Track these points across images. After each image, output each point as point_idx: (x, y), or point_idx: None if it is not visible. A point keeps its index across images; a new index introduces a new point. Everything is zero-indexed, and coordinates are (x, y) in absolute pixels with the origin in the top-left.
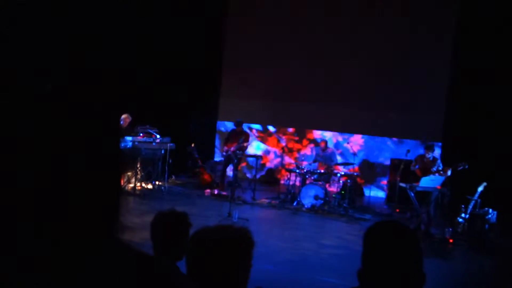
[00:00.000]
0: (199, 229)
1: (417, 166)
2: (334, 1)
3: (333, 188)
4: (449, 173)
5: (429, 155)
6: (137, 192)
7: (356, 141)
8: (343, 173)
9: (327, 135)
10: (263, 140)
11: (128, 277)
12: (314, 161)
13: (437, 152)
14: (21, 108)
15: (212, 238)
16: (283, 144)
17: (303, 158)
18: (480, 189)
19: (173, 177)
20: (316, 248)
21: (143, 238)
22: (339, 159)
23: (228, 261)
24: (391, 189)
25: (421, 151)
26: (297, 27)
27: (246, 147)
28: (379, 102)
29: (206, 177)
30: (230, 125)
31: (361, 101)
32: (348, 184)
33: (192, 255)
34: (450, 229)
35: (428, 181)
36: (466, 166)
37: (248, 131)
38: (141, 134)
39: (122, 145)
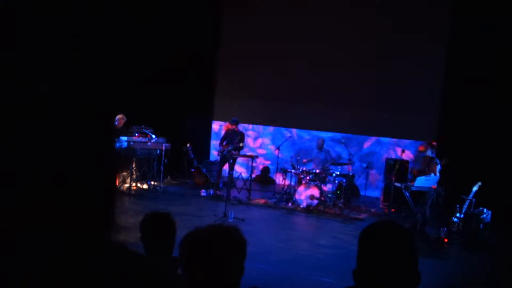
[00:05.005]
0: (191, 230)
1: (417, 167)
2: (331, 1)
3: (328, 188)
4: (438, 168)
5: (428, 152)
6: (133, 192)
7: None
8: (338, 172)
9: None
10: None
11: (122, 276)
12: (309, 161)
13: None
14: (15, 108)
15: (203, 238)
16: None
17: (298, 158)
18: (474, 188)
19: (169, 177)
20: (311, 248)
21: (138, 238)
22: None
23: (220, 260)
24: (387, 189)
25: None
26: (292, 27)
27: (242, 147)
28: (375, 102)
29: (201, 177)
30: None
31: (357, 101)
32: (344, 184)
33: (184, 256)
34: (445, 228)
35: (423, 181)
36: (449, 161)
37: (243, 130)
38: (136, 134)
39: (117, 145)
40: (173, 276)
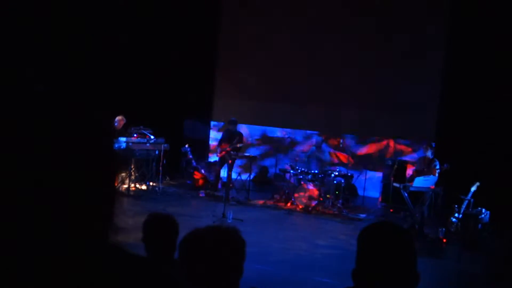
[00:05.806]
0: (191, 231)
1: (416, 168)
2: (330, 2)
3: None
4: (437, 170)
5: (428, 153)
6: (131, 193)
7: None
8: (337, 173)
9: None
10: None
11: (121, 278)
12: (308, 160)
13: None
14: (14, 109)
15: (202, 239)
16: None
17: (297, 159)
18: (473, 189)
19: (167, 177)
20: (310, 248)
21: (137, 239)
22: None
23: (219, 261)
24: (385, 189)
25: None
26: (292, 27)
27: (240, 148)
28: (375, 102)
29: (200, 178)
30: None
31: (357, 102)
32: (342, 184)
33: (184, 256)
34: (444, 229)
35: (422, 181)
36: (446, 166)
37: (242, 131)
38: (135, 135)
39: (116, 146)
40: (173, 277)
